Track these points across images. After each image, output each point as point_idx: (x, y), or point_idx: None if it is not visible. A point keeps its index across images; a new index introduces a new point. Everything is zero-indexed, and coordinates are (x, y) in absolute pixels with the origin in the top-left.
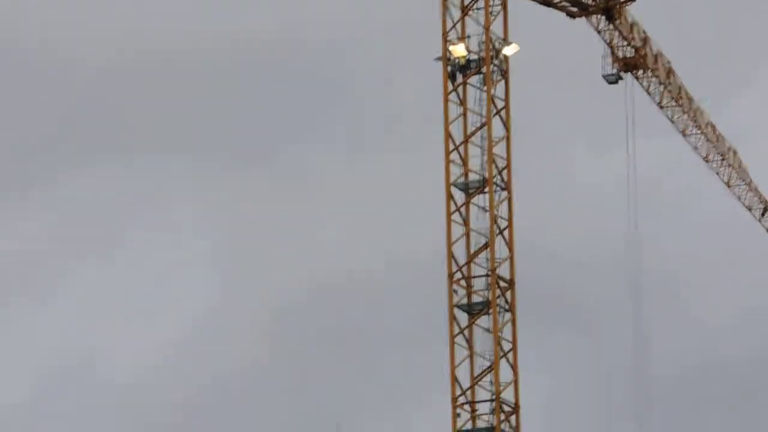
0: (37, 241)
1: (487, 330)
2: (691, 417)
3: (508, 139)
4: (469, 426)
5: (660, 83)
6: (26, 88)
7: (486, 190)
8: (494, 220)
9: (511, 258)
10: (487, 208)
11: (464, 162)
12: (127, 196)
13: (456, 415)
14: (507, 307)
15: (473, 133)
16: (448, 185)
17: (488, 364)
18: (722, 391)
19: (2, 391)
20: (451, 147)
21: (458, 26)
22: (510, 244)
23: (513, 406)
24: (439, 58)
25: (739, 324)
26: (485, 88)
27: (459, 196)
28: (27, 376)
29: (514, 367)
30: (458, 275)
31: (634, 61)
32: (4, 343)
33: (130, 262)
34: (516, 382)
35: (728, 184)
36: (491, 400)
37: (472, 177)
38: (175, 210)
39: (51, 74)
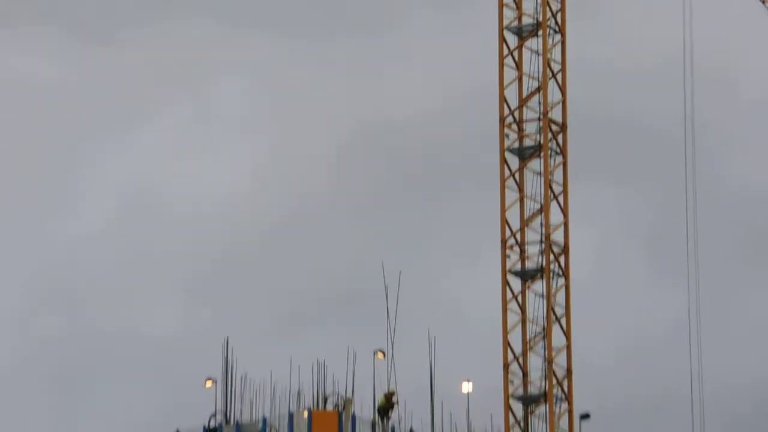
0: (129, 79)
1: (538, 173)
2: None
3: None
4: (518, 267)
5: None
6: None
7: (539, 33)
8: (547, 63)
9: (564, 102)
10: (540, 52)
11: (518, 5)
12: (211, 46)
13: (506, 257)
14: (558, 150)
15: None
16: (501, 29)
17: (538, 206)
18: None
19: (87, 218)
20: None
21: None
22: (563, 88)
23: (562, 247)
24: None
25: None
26: None
27: (512, 39)
28: (110, 204)
29: (564, 210)
30: (510, 119)
31: None
32: (92, 172)
33: (210, 105)
34: (566, 224)
35: None
36: (540, 242)
37: (526, 20)
38: (247, 59)
39: None
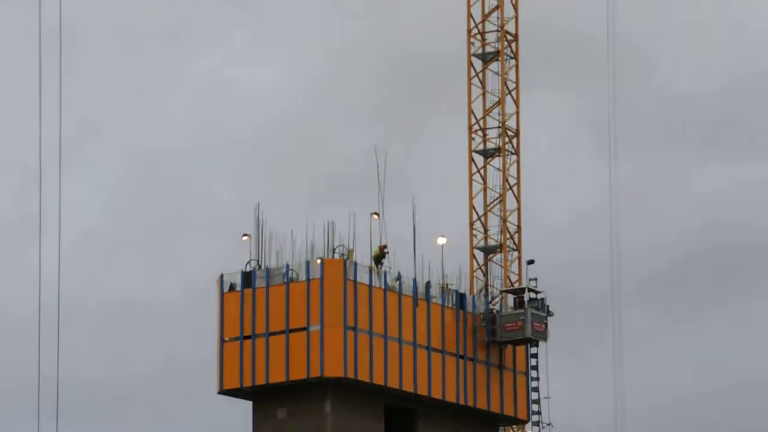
0: None
1: (497, 73)
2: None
3: None
4: (481, 147)
5: None
6: None
7: None
8: None
9: (516, 17)
10: None
11: None
12: None
13: (471, 139)
14: (512, 55)
15: None
16: None
17: (496, 99)
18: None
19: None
20: None
21: None
22: (515, 6)
23: (515, 131)
24: None
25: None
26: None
27: None
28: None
29: (516, 102)
30: (475, 31)
31: None
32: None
33: None
34: (517, 113)
35: None
36: (498, 127)
37: None
38: None
39: None
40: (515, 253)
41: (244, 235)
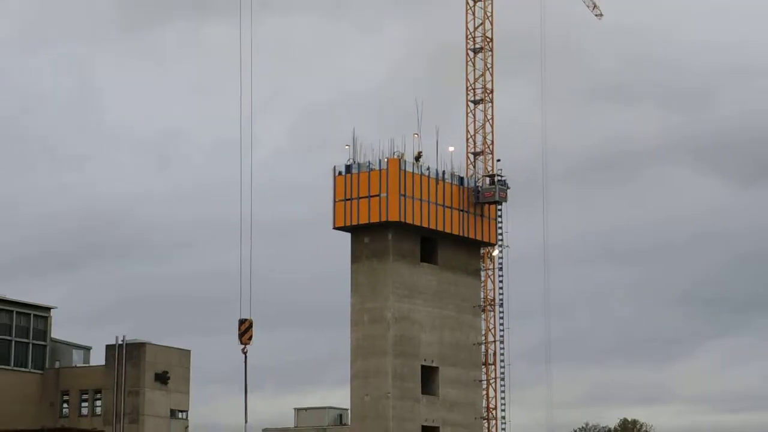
0: None
1: (481, 59)
2: None
3: None
4: (472, 98)
5: None
6: None
7: None
8: None
9: (492, 28)
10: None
11: None
12: None
13: (467, 93)
14: (490, 49)
15: None
16: None
17: (481, 72)
18: None
19: None
20: None
21: None
22: (492, 22)
23: (491, 90)
24: None
25: None
26: None
27: None
28: None
29: (491, 74)
30: (470, 36)
31: None
32: None
33: None
34: (492, 80)
35: None
36: (482, 88)
37: None
38: None
39: None
40: (490, 155)
41: (347, 145)
